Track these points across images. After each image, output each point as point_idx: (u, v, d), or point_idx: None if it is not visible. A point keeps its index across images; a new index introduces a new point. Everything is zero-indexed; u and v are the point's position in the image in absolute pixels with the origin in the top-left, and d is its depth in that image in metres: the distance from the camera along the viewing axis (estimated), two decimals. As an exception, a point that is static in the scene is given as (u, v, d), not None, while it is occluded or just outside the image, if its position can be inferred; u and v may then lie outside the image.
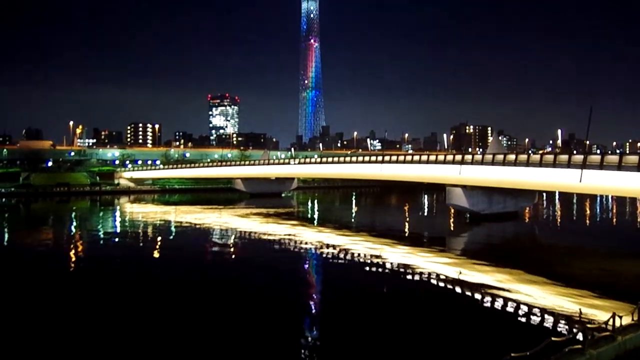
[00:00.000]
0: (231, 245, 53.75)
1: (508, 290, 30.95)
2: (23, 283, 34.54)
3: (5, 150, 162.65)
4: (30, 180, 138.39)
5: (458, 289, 32.22)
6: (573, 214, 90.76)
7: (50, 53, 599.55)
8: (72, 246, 53.20)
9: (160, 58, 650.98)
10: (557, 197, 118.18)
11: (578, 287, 30.95)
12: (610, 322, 16.03)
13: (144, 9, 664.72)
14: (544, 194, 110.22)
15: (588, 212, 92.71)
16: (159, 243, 54.57)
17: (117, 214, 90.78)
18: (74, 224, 76.95)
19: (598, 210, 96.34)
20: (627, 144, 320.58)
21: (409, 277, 36.18)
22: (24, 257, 46.16)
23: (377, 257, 43.15)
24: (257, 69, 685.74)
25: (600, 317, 22.98)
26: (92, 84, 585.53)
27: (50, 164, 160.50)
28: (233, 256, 48.02)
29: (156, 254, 47.83)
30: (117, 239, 58.96)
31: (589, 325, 22.45)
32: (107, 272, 38.19)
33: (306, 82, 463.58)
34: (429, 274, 36.75)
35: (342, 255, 44.93)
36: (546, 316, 25.64)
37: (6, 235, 66.38)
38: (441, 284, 33.95)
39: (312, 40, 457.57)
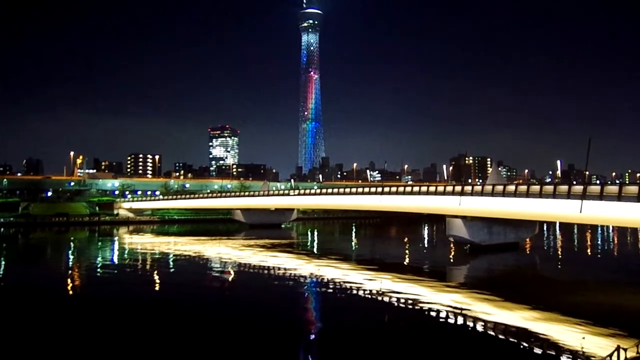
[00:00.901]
0: (230, 278, 53.24)
1: (509, 323, 30.53)
2: (17, 316, 34.07)
3: (5, 180, 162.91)
4: (30, 210, 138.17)
5: (459, 321, 31.78)
6: (574, 244, 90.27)
7: (52, 84, 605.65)
8: (68, 278, 52.70)
9: (161, 89, 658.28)
10: (557, 227, 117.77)
11: (581, 320, 30.52)
12: (615, 356, 15.74)
13: (145, 41, 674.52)
14: (545, 225, 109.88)
15: (589, 242, 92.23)
16: (157, 275, 54.10)
17: (116, 244, 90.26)
18: (72, 255, 76.39)
19: (599, 240, 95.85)
20: (627, 174, 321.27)
21: (410, 309, 35.73)
22: (19, 289, 45.62)
23: (377, 288, 42.73)
24: (258, 100, 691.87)
25: (604, 351, 22.59)
26: (93, 115, 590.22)
27: (49, 194, 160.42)
28: (232, 289, 47.54)
29: (154, 287, 47.38)
30: (114, 271, 58.45)
31: (593, 359, 22.05)
32: (103, 304, 37.71)
33: (306, 113, 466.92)
34: (430, 306, 36.30)
35: (342, 287, 44.49)
36: (549, 350, 25.20)
37: (2, 266, 65.79)
38: (442, 317, 33.49)
39: (312, 72, 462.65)
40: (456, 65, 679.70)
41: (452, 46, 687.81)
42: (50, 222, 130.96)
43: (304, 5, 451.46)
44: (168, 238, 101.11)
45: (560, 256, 73.35)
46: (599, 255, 73.94)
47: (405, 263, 65.35)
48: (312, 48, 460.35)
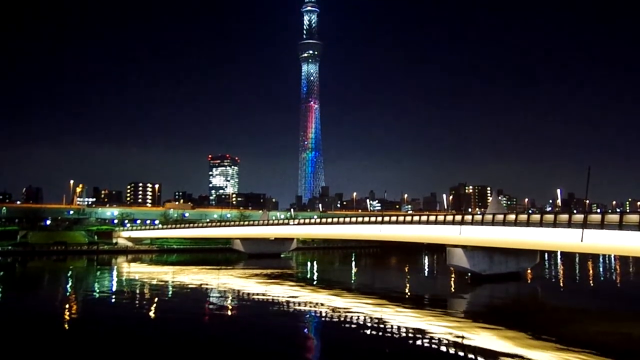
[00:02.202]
0: (229, 308, 52.61)
1: (512, 355, 30.03)
2: (11, 346, 33.55)
3: (4, 208, 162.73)
4: (28, 239, 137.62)
5: (461, 353, 31.27)
6: (576, 273, 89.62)
7: (52, 112, 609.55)
8: (65, 308, 52.04)
9: (161, 118, 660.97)
10: (559, 256, 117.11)
11: (584, 350, 30.06)
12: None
13: (146, 70, 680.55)
14: (546, 254, 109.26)
15: (591, 271, 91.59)
16: (154, 305, 53.45)
17: (114, 274, 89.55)
18: (69, 284, 75.69)
19: (601, 269, 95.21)
20: (627, 202, 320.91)
21: (411, 340, 35.19)
22: (14, 318, 45.03)
23: (377, 319, 42.19)
24: (258, 129, 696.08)
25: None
26: (93, 143, 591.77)
27: (48, 222, 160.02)
28: (230, 320, 46.90)
29: (151, 317, 46.79)
30: (112, 301, 57.85)
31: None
32: (99, 335, 37.18)
33: (306, 143, 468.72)
34: (431, 337, 35.78)
35: (342, 318, 43.96)
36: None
37: (-1, 296, 65.17)
38: (443, 348, 32.97)
39: (312, 102, 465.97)
40: (456, 94, 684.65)
41: (452, 75, 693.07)
42: (48, 250, 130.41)
43: (304, 36, 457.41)
44: (166, 267, 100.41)
45: (562, 286, 72.75)
46: (601, 285, 73.35)
47: (406, 293, 64.75)
48: (312, 78, 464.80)
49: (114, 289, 68.46)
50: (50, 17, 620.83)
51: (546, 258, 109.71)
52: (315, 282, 77.87)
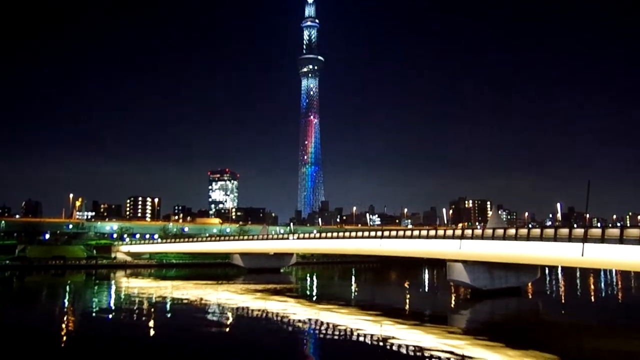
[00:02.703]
0: (227, 324, 52.20)
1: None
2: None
3: (3, 222, 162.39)
4: (26, 253, 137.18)
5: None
6: (577, 289, 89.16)
7: (52, 126, 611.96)
8: (62, 324, 51.65)
9: (161, 132, 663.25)
10: (559, 271, 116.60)
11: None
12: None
13: (145, 84, 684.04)
14: (547, 269, 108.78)
15: (592, 286, 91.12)
16: (153, 321, 53.06)
17: (112, 289, 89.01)
18: (67, 299, 75.20)
19: (602, 284, 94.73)
20: (628, 216, 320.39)
21: (411, 357, 34.80)
22: (10, 334, 44.62)
23: (377, 335, 41.84)
24: (257, 144, 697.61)
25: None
26: (93, 157, 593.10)
27: (47, 236, 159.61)
28: (229, 336, 46.47)
29: (149, 332, 46.35)
30: (110, 316, 57.39)
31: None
32: (97, 351, 36.82)
33: (306, 157, 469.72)
34: (431, 354, 35.39)
35: (342, 334, 43.55)
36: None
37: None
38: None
39: (311, 117, 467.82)
40: (455, 108, 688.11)
41: (452, 90, 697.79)
42: (46, 265, 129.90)
43: (304, 51, 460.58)
44: (165, 282, 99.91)
45: (563, 301, 72.29)
46: (602, 300, 72.92)
47: (406, 308, 64.33)
48: (311, 93, 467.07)
49: (112, 304, 67.96)
50: (51, 32, 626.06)
51: (547, 273, 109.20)
52: (315, 298, 77.38)
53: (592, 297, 76.55)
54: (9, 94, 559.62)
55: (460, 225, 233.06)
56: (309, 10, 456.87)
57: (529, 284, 77.60)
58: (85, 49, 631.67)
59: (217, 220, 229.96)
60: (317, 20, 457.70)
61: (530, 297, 73.37)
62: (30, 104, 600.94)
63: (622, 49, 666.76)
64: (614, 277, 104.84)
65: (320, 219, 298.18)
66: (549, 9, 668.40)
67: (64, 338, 43.31)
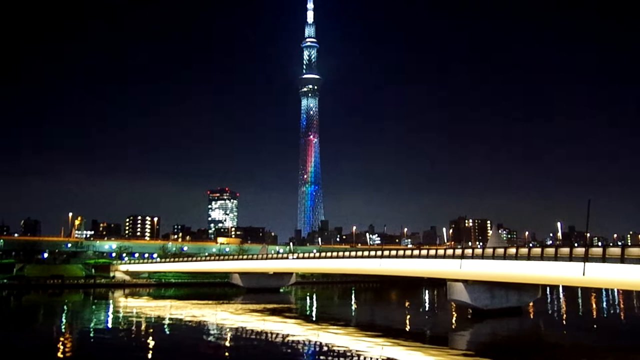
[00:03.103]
0: (226, 344, 51.62)
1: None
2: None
3: (1, 240, 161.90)
4: (24, 272, 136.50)
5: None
6: (579, 308, 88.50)
7: (52, 144, 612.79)
8: (58, 344, 51.09)
9: (161, 151, 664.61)
10: (561, 291, 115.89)
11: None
12: None
13: (145, 103, 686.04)
14: (548, 288, 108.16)
15: (594, 306, 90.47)
16: (151, 341, 52.50)
17: (110, 309, 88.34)
18: (64, 319, 74.57)
19: (604, 304, 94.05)
20: (629, 235, 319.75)
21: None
22: (5, 355, 44.12)
23: (378, 356, 41.38)
24: (257, 163, 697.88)
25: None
26: (93, 176, 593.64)
27: (46, 255, 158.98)
28: (228, 358, 45.91)
29: (148, 353, 45.83)
30: (107, 336, 56.84)
31: None
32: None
33: (305, 176, 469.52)
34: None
35: (341, 355, 43.07)
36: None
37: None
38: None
39: (311, 136, 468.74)
40: (455, 127, 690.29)
41: (452, 108, 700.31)
42: (44, 284, 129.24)
43: (304, 71, 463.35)
44: (164, 302, 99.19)
45: (564, 321, 71.67)
46: (604, 320, 72.32)
47: (406, 329, 63.74)
48: (311, 112, 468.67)
49: (110, 324, 67.37)
50: (50, 49, 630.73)
51: (548, 292, 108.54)
52: (314, 318, 76.76)
53: (594, 317, 75.97)
54: (7, 112, 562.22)
55: (459, 244, 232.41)
56: (309, 31, 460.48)
57: (530, 304, 77.05)
58: (84, 66, 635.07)
59: (224, 240, 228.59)
60: (316, 40, 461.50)
61: (531, 317, 72.79)
62: (29, 122, 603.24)
63: (624, 73, 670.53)
64: (616, 297, 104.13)
65: (320, 239, 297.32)
66: (548, 30, 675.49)
67: (61, 359, 42.78)
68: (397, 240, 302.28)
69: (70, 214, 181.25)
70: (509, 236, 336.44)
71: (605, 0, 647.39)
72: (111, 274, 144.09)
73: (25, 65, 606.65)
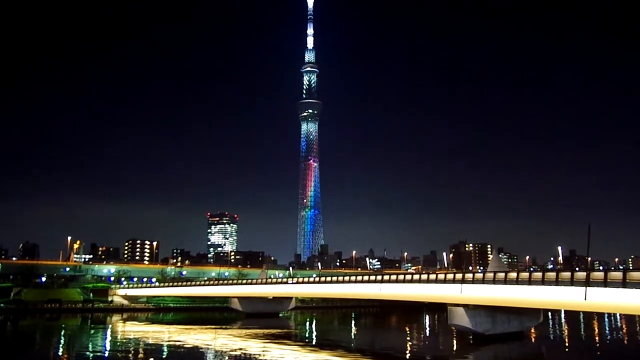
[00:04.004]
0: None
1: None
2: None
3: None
4: (22, 296, 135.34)
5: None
6: (581, 333, 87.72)
7: (50, 168, 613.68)
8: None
9: (161, 175, 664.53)
10: (562, 315, 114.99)
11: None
12: None
13: (144, 127, 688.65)
14: (549, 313, 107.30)
15: (596, 331, 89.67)
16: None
17: (108, 333, 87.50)
18: (61, 344, 73.79)
19: (606, 328, 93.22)
20: (630, 260, 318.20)
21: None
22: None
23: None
24: (257, 187, 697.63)
25: None
26: (92, 200, 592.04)
27: (44, 279, 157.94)
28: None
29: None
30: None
31: None
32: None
33: (305, 201, 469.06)
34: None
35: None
36: None
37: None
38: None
39: (311, 160, 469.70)
40: (454, 151, 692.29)
41: (452, 132, 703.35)
42: (42, 308, 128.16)
43: (304, 96, 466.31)
44: (162, 327, 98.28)
45: (567, 346, 71.00)
46: (606, 345, 71.62)
47: (407, 354, 63.14)
48: (311, 137, 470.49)
49: (108, 349, 66.68)
50: (48, 73, 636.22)
51: (550, 317, 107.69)
52: (314, 343, 76.04)
53: (597, 342, 75.29)
54: (5, 135, 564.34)
55: (460, 268, 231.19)
56: (309, 56, 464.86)
57: (532, 329, 76.41)
58: (82, 92, 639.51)
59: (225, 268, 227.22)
60: (316, 66, 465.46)
61: (533, 341, 72.16)
62: (28, 146, 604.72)
63: (627, 97, 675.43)
64: (618, 321, 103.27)
65: (319, 263, 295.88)
66: (550, 52, 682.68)
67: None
68: (397, 265, 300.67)
69: (69, 238, 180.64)
70: (510, 260, 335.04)
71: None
72: (109, 298, 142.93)
73: (23, 89, 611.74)
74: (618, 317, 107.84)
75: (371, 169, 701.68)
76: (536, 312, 71.34)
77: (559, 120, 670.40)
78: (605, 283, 49.31)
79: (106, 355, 61.25)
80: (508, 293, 60.27)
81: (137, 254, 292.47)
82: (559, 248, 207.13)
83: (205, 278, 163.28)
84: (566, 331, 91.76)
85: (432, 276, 74.96)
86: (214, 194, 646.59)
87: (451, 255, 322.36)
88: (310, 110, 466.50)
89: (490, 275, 64.37)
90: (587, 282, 50.89)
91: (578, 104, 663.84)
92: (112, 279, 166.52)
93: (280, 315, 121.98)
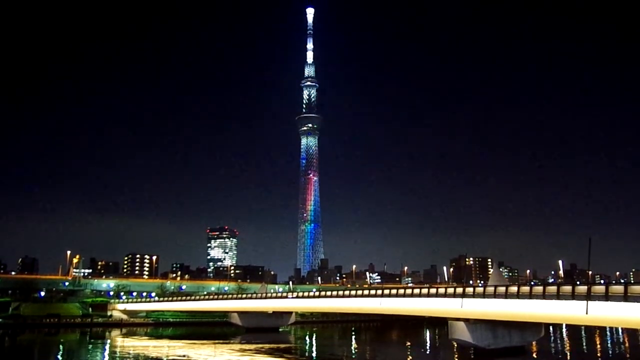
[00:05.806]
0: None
1: None
2: None
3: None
4: (20, 311, 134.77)
5: None
6: (582, 347, 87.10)
7: (50, 183, 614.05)
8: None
9: (160, 189, 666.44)
10: (564, 329, 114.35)
11: None
12: None
13: (144, 141, 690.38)
14: (551, 327, 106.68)
15: (598, 345, 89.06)
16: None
17: (107, 348, 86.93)
18: None
19: (608, 343, 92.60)
20: (631, 273, 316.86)
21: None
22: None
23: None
24: (257, 202, 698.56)
25: None
26: (92, 214, 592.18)
27: (43, 293, 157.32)
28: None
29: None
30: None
31: None
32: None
33: (305, 215, 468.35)
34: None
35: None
36: None
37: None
38: None
39: (311, 175, 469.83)
40: (454, 165, 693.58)
41: (452, 147, 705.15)
42: (40, 323, 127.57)
43: (304, 110, 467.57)
44: (162, 342, 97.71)
45: (569, 361, 70.53)
46: (609, 359, 71.14)
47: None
48: (311, 151, 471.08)
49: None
50: (48, 86, 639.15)
51: (551, 331, 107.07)
52: (314, 358, 75.54)
53: (598, 356, 74.74)
54: (5, 150, 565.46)
55: (460, 282, 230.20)
56: (309, 70, 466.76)
57: (534, 343, 75.94)
58: (81, 106, 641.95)
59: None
60: (316, 80, 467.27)
61: (534, 356, 71.67)
62: (28, 160, 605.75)
63: (623, 112, 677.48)
64: (620, 335, 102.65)
65: (319, 277, 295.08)
66: (550, 66, 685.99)
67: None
68: (397, 279, 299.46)
69: (69, 252, 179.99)
70: (510, 274, 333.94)
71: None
72: (108, 313, 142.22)
73: (21, 101, 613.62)
74: (620, 331, 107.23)
75: (372, 183, 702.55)
76: (538, 327, 70.95)
77: (559, 133, 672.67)
78: (606, 297, 49.16)
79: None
80: (509, 307, 60.03)
81: (137, 268, 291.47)
82: (560, 262, 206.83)
83: (205, 292, 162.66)
84: (568, 345, 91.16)
85: (433, 290, 74.67)
86: (214, 208, 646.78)
87: (452, 269, 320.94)
88: (310, 125, 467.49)
89: (490, 289, 64.14)
90: (589, 296, 50.73)
91: (578, 116, 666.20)
92: (112, 293, 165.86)
93: (280, 329, 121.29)
